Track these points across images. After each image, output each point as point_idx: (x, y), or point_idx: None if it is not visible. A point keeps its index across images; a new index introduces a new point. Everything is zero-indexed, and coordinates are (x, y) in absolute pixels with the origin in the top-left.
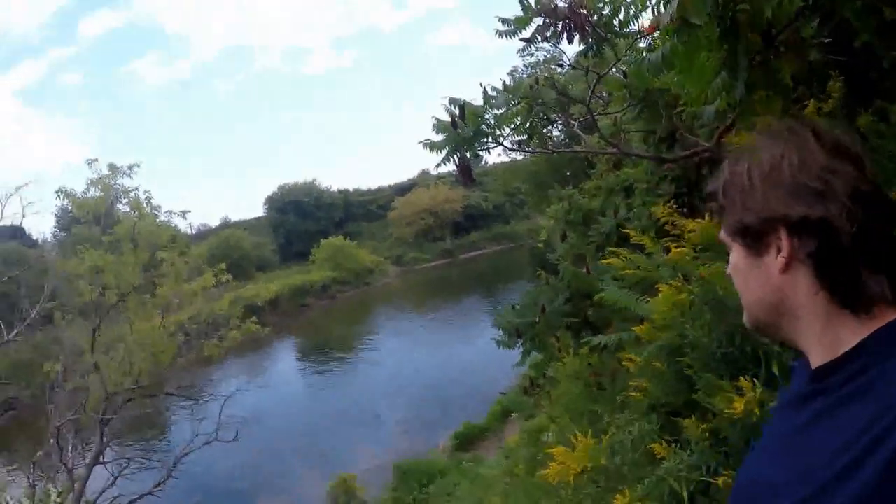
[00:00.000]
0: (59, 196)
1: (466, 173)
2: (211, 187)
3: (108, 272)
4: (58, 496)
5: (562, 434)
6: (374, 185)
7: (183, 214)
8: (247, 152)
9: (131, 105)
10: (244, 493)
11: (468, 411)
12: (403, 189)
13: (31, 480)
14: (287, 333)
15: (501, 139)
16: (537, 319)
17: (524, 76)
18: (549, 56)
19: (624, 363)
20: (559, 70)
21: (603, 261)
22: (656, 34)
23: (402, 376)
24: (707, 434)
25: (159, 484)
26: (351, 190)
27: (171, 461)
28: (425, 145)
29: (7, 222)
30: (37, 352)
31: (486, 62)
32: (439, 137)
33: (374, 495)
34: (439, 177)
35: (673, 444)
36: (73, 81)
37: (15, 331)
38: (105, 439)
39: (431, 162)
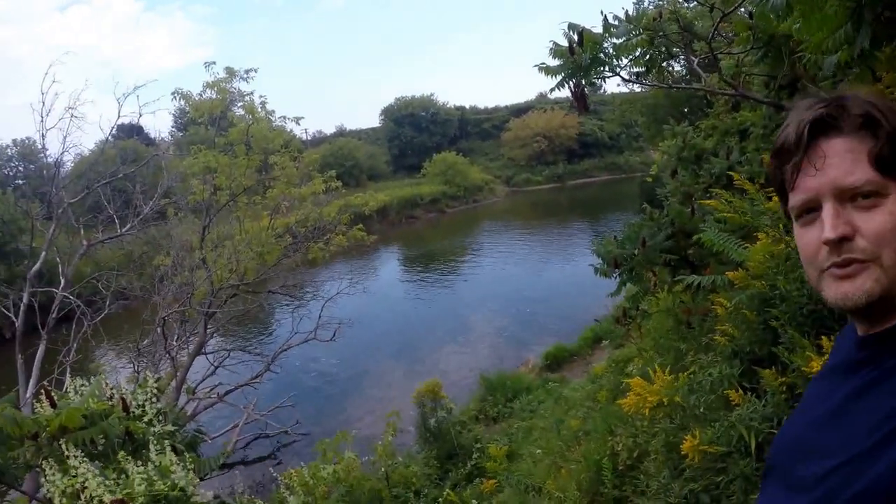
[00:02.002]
0: (175, 97)
1: (581, 101)
2: (329, 96)
3: (221, 173)
4: (155, 381)
5: (646, 367)
6: (490, 105)
7: (297, 121)
8: (366, 63)
9: (252, 10)
10: (336, 390)
11: (560, 334)
12: (519, 111)
13: (135, 367)
14: (393, 242)
15: (619, 69)
16: (636, 252)
17: (650, 6)
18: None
19: (714, 306)
20: (684, 4)
21: (706, 202)
22: None
23: (501, 292)
24: (784, 388)
25: (257, 376)
26: (467, 107)
27: (270, 355)
28: (541, 69)
29: (126, 120)
30: (149, 246)
31: None
32: (556, 62)
33: (461, 403)
34: (556, 101)
35: (749, 393)
36: None
37: (128, 225)
38: (208, 331)
39: (548, 86)
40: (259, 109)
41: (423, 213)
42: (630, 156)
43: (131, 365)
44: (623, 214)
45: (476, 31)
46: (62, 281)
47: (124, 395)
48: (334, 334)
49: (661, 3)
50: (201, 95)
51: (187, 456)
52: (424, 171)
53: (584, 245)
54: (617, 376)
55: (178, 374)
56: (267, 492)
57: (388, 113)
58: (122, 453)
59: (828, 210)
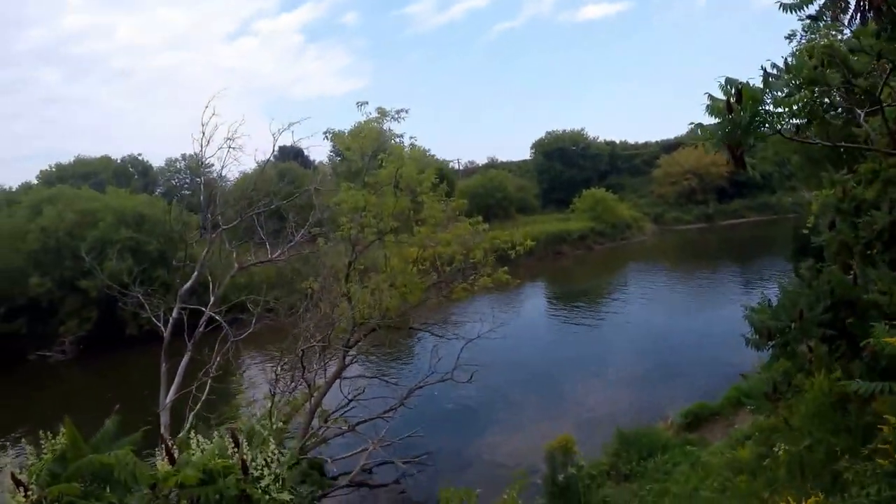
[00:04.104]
0: (326, 137)
1: (739, 161)
2: (482, 126)
3: (369, 212)
4: (283, 421)
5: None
6: (640, 140)
7: (457, 161)
8: (517, 97)
9: (405, 44)
10: (465, 433)
11: (703, 388)
12: (669, 147)
13: (272, 389)
14: (539, 277)
15: (779, 125)
16: (792, 325)
17: (801, 41)
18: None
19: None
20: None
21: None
22: None
23: (645, 337)
24: None
25: (390, 410)
26: (617, 142)
27: (404, 392)
28: (695, 130)
29: (286, 143)
30: (300, 263)
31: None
32: (712, 120)
33: (593, 452)
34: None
35: None
36: (352, 21)
37: (279, 251)
38: (346, 363)
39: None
40: (407, 150)
41: (571, 250)
42: (782, 196)
43: (269, 386)
44: (776, 262)
45: (631, 74)
46: (212, 298)
47: (245, 457)
48: (471, 377)
49: (813, 37)
50: (356, 134)
51: None
52: (573, 207)
53: (732, 292)
54: (760, 447)
55: (314, 398)
56: None
57: (538, 146)
58: None
59: None
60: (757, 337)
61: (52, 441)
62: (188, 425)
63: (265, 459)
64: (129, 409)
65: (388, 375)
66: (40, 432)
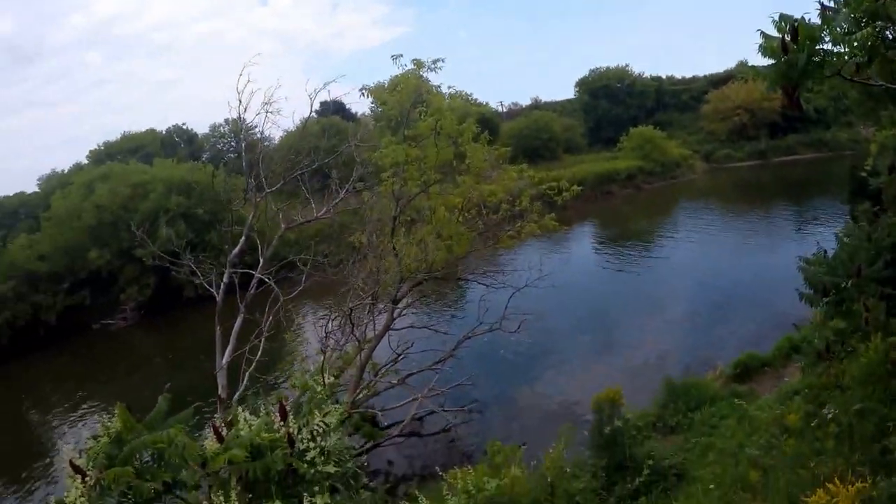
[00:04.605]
0: (363, 94)
1: (795, 104)
2: (524, 66)
3: (411, 166)
4: (335, 376)
5: (843, 421)
6: (687, 74)
7: (501, 104)
8: (559, 35)
9: None
10: (514, 382)
11: (753, 336)
12: (718, 81)
13: (323, 346)
14: (588, 218)
15: (838, 66)
16: (849, 282)
17: None
18: None
19: None
20: None
21: None
22: None
23: (695, 281)
24: None
25: (439, 361)
26: (664, 78)
27: (453, 342)
28: (747, 72)
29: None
30: (347, 216)
31: None
32: (766, 61)
33: (641, 405)
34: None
35: None
36: None
37: (324, 209)
38: (395, 316)
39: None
40: (447, 99)
41: (619, 189)
42: (838, 132)
43: (320, 342)
44: (831, 204)
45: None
46: (261, 260)
47: (291, 431)
48: (519, 326)
49: None
50: (393, 87)
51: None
52: (621, 146)
53: (786, 234)
54: (810, 405)
55: (364, 352)
56: (435, 478)
57: (582, 85)
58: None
59: None
60: (811, 292)
61: (108, 425)
62: (243, 386)
63: (311, 432)
64: (190, 368)
65: (436, 326)
66: (100, 422)
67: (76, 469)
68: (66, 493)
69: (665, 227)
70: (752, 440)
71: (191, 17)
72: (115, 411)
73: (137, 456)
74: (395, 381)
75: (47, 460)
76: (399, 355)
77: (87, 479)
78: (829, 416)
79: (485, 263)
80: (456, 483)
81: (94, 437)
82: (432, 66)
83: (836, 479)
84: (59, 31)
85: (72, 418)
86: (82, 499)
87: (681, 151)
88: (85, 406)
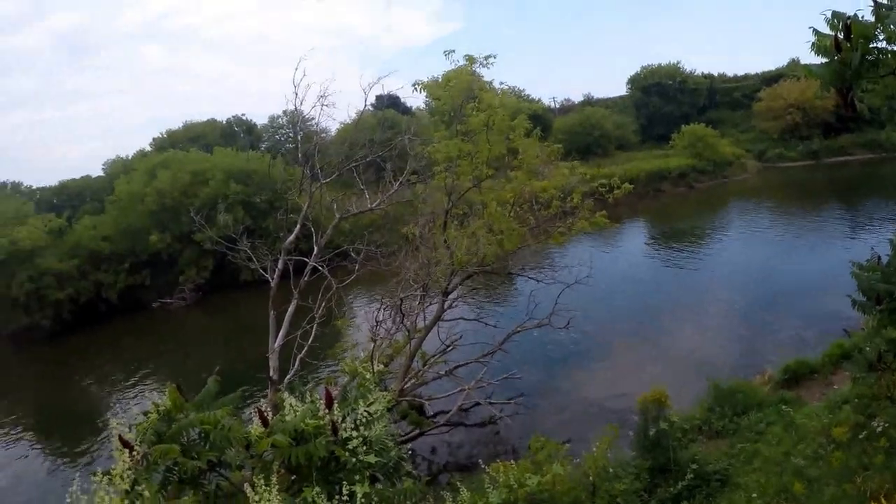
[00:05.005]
0: (416, 89)
1: (849, 104)
2: (577, 62)
3: (464, 160)
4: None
5: (893, 435)
6: (739, 71)
7: (553, 100)
8: (611, 31)
9: None
10: (561, 378)
11: (803, 339)
12: (770, 79)
13: (374, 333)
14: (639, 215)
15: (893, 65)
16: None
17: None
18: None
19: None
20: None
21: None
22: None
23: (746, 281)
24: None
25: (487, 354)
26: (716, 75)
27: (501, 336)
28: (799, 70)
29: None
30: (397, 216)
31: None
32: (818, 59)
33: (686, 406)
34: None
35: None
36: None
37: (377, 201)
38: (445, 307)
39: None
40: (497, 94)
41: (671, 188)
42: (892, 132)
43: (371, 330)
44: (885, 205)
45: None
46: (315, 248)
47: (335, 418)
48: (568, 323)
49: None
50: (446, 82)
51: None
52: (672, 143)
53: (839, 237)
54: (858, 415)
55: (413, 342)
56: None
57: (634, 81)
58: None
59: None
60: (864, 299)
61: (158, 402)
62: (294, 369)
63: (354, 421)
64: (242, 350)
65: (485, 319)
66: (150, 400)
67: (124, 443)
68: (112, 467)
69: (716, 227)
70: (799, 449)
71: (247, 12)
72: (166, 390)
73: (185, 434)
74: (444, 372)
75: (100, 434)
76: (448, 346)
77: (135, 453)
78: (879, 429)
79: (535, 259)
80: (498, 476)
81: (145, 414)
82: (484, 62)
83: (882, 496)
84: (117, 25)
85: (124, 392)
86: (129, 472)
87: (733, 150)
88: (137, 381)
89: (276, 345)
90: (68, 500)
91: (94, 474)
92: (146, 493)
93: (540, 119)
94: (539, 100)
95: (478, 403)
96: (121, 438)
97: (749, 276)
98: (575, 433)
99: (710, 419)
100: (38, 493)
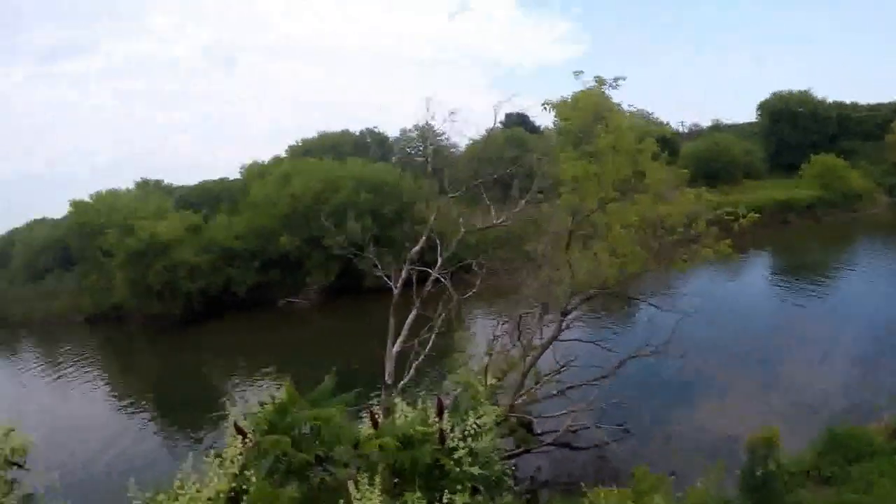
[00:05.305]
0: (545, 108)
1: None
2: (706, 85)
3: (590, 181)
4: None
5: None
6: (872, 100)
7: (681, 124)
8: (740, 57)
9: (620, 5)
10: (671, 408)
11: None
12: None
13: (489, 348)
14: (763, 245)
15: None
16: None
17: None
18: None
19: None
20: None
21: None
22: None
23: (871, 323)
24: None
25: (600, 378)
26: (847, 103)
27: (615, 360)
28: None
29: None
30: (525, 223)
31: None
32: None
33: (796, 448)
34: None
35: None
36: None
37: (503, 217)
38: (563, 327)
39: None
40: (625, 116)
41: (797, 219)
42: None
43: (487, 344)
44: None
45: (864, 27)
46: (439, 260)
47: (444, 428)
48: (684, 353)
49: None
50: (574, 102)
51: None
52: (801, 173)
53: None
54: None
55: (528, 359)
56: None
57: (764, 108)
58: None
59: None
60: None
61: (274, 395)
62: (408, 376)
63: (463, 432)
64: (359, 352)
65: (601, 342)
66: (267, 391)
67: (238, 430)
68: (224, 450)
69: (841, 263)
70: None
71: (382, 33)
72: (284, 384)
73: (297, 427)
74: (555, 392)
75: (214, 418)
76: (562, 366)
77: (248, 440)
78: None
79: (656, 284)
80: (598, 502)
81: (261, 404)
82: (613, 83)
83: None
84: (258, 38)
85: (243, 382)
86: (239, 457)
87: (863, 183)
88: (257, 373)
89: (393, 350)
90: (179, 475)
91: (207, 455)
92: (253, 479)
93: (667, 143)
94: (667, 123)
95: (586, 426)
96: (236, 425)
97: (872, 318)
98: (680, 466)
99: (821, 465)
100: (145, 461)
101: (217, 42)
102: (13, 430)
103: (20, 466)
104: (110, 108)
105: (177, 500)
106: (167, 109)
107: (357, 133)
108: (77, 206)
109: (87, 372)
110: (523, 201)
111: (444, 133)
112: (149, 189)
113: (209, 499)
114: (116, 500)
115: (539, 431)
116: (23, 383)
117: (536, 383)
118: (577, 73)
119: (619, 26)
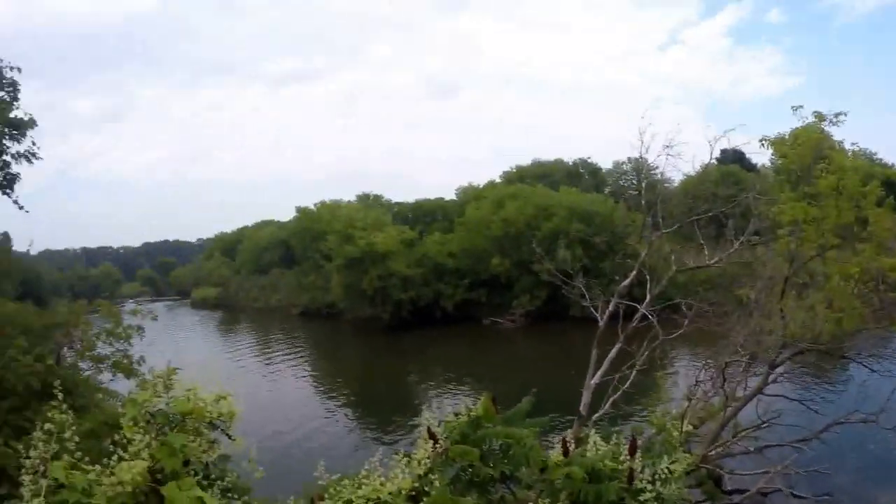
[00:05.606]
0: (763, 145)
1: None
2: None
3: (809, 225)
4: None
5: None
6: None
7: None
8: None
9: (837, 35)
10: (878, 485)
11: None
12: None
13: (690, 393)
14: None
15: None
16: None
17: None
18: None
19: None
20: None
21: None
22: None
23: None
24: None
25: (803, 440)
26: None
27: (821, 423)
28: None
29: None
30: (737, 267)
31: None
32: None
33: None
34: None
35: None
36: (777, 18)
37: (716, 258)
38: (769, 381)
39: None
40: (849, 155)
41: None
42: None
43: (688, 388)
44: None
45: None
46: (647, 296)
47: (634, 467)
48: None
49: None
50: (794, 141)
51: None
52: None
53: None
54: None
55: (728, 410)
56: None
57: None
58: None
59: None
60: None
61: (470, 407)
62: (603, 409)
63: (653, 475)
64: (558, 378)
65: (808, 401)
66: (463, 403)
67: (431, 435)
68: (413, 452)
69: None
70: None
71: (593, 66)
72: (481, 398)
73: (487, 442)
74: (752, 448)
75: (408, 420)
76: (764, 422)
77: (438, 446)
78: None
79: (874, 345)
80: None
81: (456, 414)
82: (834, 119)
83: None
84: (478, 69)
85: (441, 390)
86: (427, 460)
87: None
88: (455, 383)
89: (591, 382)
90: (367, 466)
91: (397, 453)
92: (436, 483)
93: (893, 187)
94: (893, 165)
95: (779, 490)
96: (429, 430)
97: None
98: None
99: None
100: (330, 445)
101: (439, 71)
102: (224, 399)
103: (224, 431)
104: (330, 127)
105: (360, 488)
106: (380, 132)
107: (570, 163)
108: (302, 211)
109: (294, 357)
110: (738, 243)
111: (657, 167)
112: (368, 202)
113: (390, 493)
114: (300, 471)
115: (729, 488)
116: (236, 358)
117: (734, 436)
118: (796, 108)
119: (834, 58)
